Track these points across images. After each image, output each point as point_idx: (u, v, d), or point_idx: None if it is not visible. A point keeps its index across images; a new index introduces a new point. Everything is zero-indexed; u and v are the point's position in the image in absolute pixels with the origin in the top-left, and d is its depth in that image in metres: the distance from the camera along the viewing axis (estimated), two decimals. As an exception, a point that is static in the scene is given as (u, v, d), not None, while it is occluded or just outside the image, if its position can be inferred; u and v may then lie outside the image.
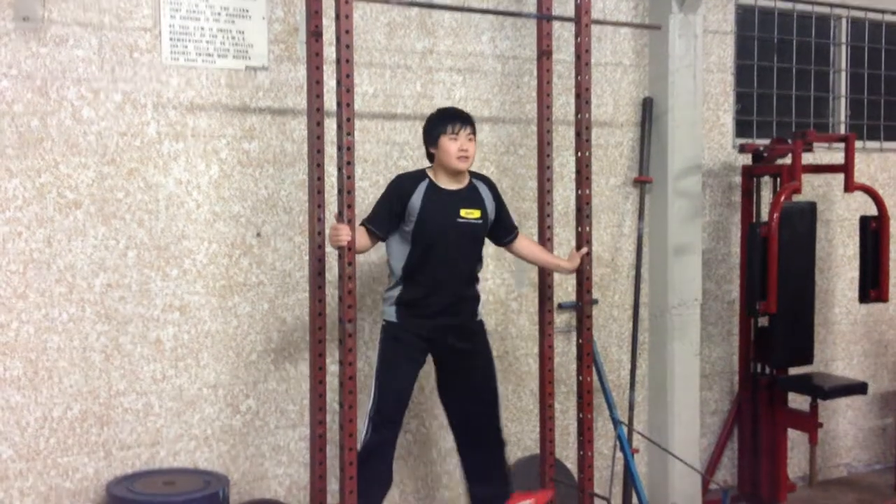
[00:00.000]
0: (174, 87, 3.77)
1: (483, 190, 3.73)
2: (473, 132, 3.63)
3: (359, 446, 3.47)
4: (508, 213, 3.86)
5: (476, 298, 3.76)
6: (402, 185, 3.59)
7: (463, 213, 3.62)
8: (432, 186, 3.60)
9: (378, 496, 3.63)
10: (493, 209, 3.72)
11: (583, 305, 3.90)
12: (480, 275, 3.82)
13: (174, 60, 3.77)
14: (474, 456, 3.79)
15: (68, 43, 3.58)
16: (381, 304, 3.78)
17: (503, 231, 3.82)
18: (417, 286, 3.60)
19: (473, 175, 3.74)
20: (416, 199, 3.55)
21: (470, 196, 3.67)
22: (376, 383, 3.62)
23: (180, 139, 3.79)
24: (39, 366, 3.58)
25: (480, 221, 3.67)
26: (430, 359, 3.76)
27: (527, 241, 3.91)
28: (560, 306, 4.57)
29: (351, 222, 3.28)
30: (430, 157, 3.68)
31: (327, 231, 3.65)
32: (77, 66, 3.60)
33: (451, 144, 3.56)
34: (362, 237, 3.51)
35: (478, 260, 3.74)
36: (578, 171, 3.86)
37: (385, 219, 3.57)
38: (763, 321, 4.98)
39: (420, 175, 3.64)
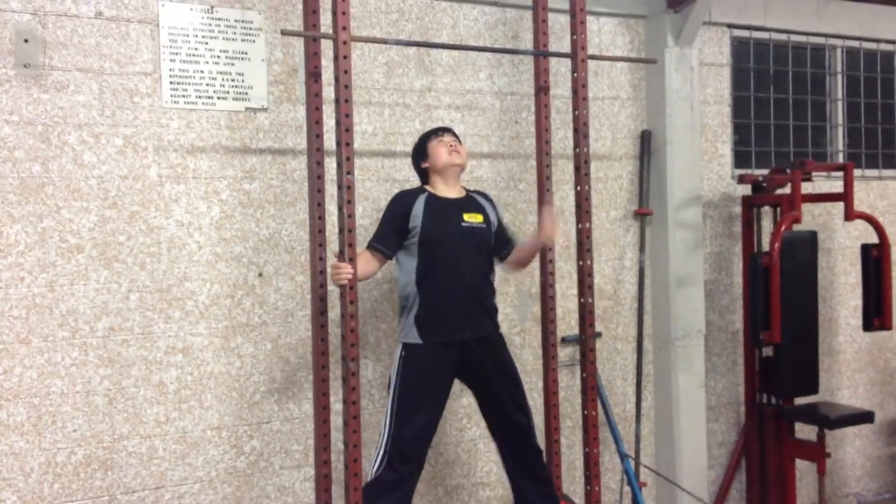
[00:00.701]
0: (175, 129, 3.80)
1: (482, 200, 3.76)
2: (458, 140, 3.72)
3: (367, 477, 3.40)
4: (507, 225, 3.87)
5: (495, 309, 3.69)
6: (402, 199, 3.59)
7: (466, 217, 3.62)
8: (432, 197, 3.61)
9: None
10: (494, 218, 3.74)
11: (586, 339, 3.89)
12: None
13: (174, 103, 3.79)
14: (521, 459, 3.71)
15: (69, 89, 3.61)
16: (399, 331, 3.66)
17: (503, 242, 3.78)
18: (432, 296, 3.51)
19: (469, 190, 3.77)
20: (418, 209, 3.55)
21: (470, 203, 3.68)
22: (393, 413, 3.48)
23: (181, 181, 3.81)
24: (43, 411, 3.57)
25: (484, 226, 3.66)
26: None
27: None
28: (563, 340, 4.57)
29: (352, 261, 3.28)
30: (424, 176, 3.71)
31: (329, 270, 3.66)
32: (78, 112, 3.63)
33: (440, 146, 3.64)
34: (367, 262, 3.48)
35: (490, 268, 3.68)
36: (578, 205, 3.87)
37: (389, 235, 3.54)
38: (767, 351, 4.97)
39: (419, 190, 3.66)
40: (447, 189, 3.66)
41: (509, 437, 3.69)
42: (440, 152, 3.64)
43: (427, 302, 3.52)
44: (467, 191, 3.75)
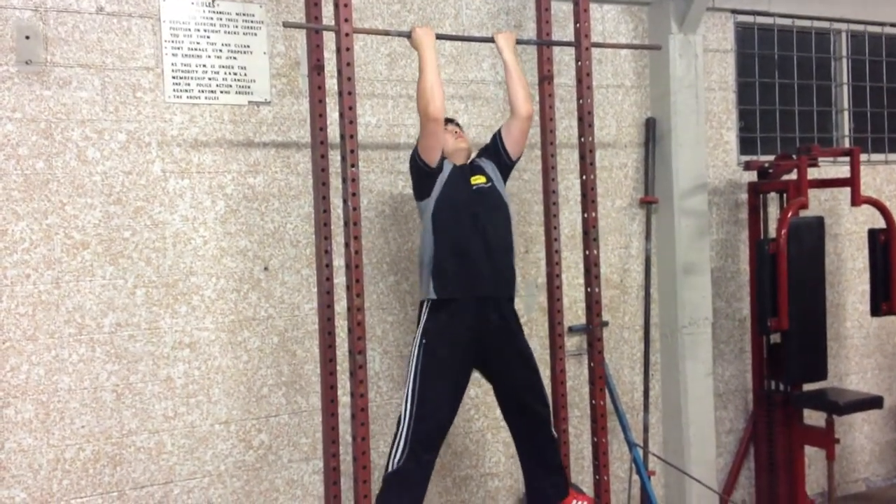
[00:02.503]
0: (178, 124, 3.79)
1: (481, 162, 3.77)
2: (460, 128, 3.81)
3: (390, 467, 3.37)
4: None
5: (512, 271, 3.66)
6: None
7: (473, 180, 3.65)
8: (451, 167, 3.64)
9: None
10: (496, 173, 3.74)
11: (593, 328, 3.88)
12: None
13: (177, 98, 3.78)
14: (535, 447, 3.69)
15: (71, 85, 3.61)
16: (420, 287, 3.62)
17: (493, 146, 3.79)
18: (448, 252, 3.50)
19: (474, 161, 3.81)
20: (446, 170, 3.59)
21: (473, 169, 3.71)
22: (415, 396, 3.43)
23: (185, 176, 3.81)
24: (51, 407, 3.57)
25: (489, 185, 3.67)
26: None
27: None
28: (570, 330, 4.56)
29: (358, 254, 3.27)
30: None
31: (335, 263, 3.65)
32: (81, 108, 3.62)
33: (445, 135, 3.65)
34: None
35: (507, 228, 3.67)
36: (584, 195, 3.86)
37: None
38: (775, 338, 4.96)
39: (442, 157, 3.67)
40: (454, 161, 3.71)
41: (524, 425, 3.68)
42: (446, 139, 3.67)
43: (443, 256, 3.50)
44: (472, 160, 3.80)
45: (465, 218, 3.54)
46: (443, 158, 3.60)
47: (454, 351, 3.49)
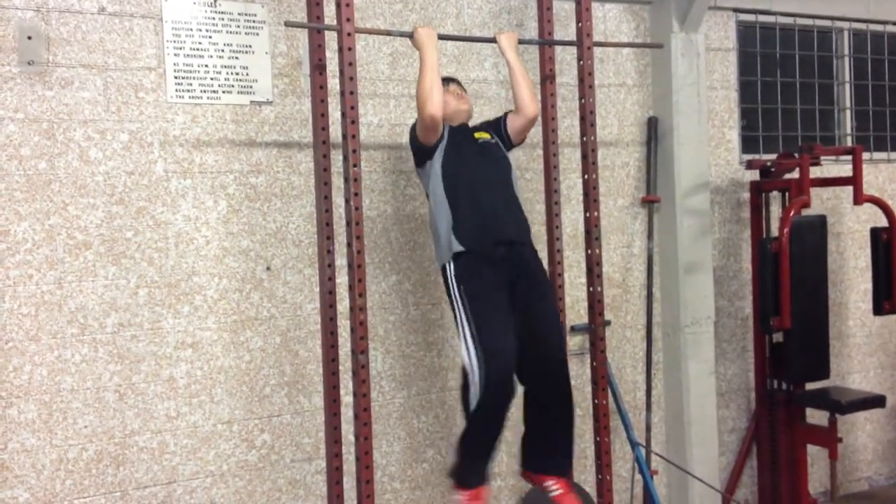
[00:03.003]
0: (180, 124, 3.79)
1: (481, 125, 3.78)
2: (461, 86, 3.78)
3: (470, 407, 3.27)
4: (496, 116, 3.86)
5: (527, 221, 3.61)
6: None
7: (476, 135, 3.66)
8: (451, 127, 3.62)
9: (489, 454, 3.38)
10: (497, 135, 3.73)
11: (595, 328, 3.88)
12: None
13: (179, 98, 3.79)
14: (544, 392, 3.51)
15: (74, 85, 3.61)
16: (438, 259, 3.54)
17: (496, 123, 3.76)
18: (465, 207, 3.45)
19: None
20: (444, 133, 3.55)
21: (474, 128, 3.72)
22: (476, 338, 3.29)
23: (188, 176, 3.81)
24: (54, 408, 3.57)
25: (494, 140, 3.68)
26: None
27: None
28: (573, 329, 4.56)
29: (360, 253, 3.27)
30: None
31: (337, 262, 3.65)
32: (83, 108, 3.62)
33: (447, 95, 3.63)
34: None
35: (514, 186, 3.64)
36: (586, 194, 3.85)
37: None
38: (778, 337, 4.95)
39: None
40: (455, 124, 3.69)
41: (539, 376, 3.49)
42: (448, 100, 3.63)
43: (460, 214, 3.45)
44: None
45: (474, 172, 3.52)
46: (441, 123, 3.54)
47: (492, 277, 3.40)
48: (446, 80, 3.73)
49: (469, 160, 3.55)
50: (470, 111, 3.77)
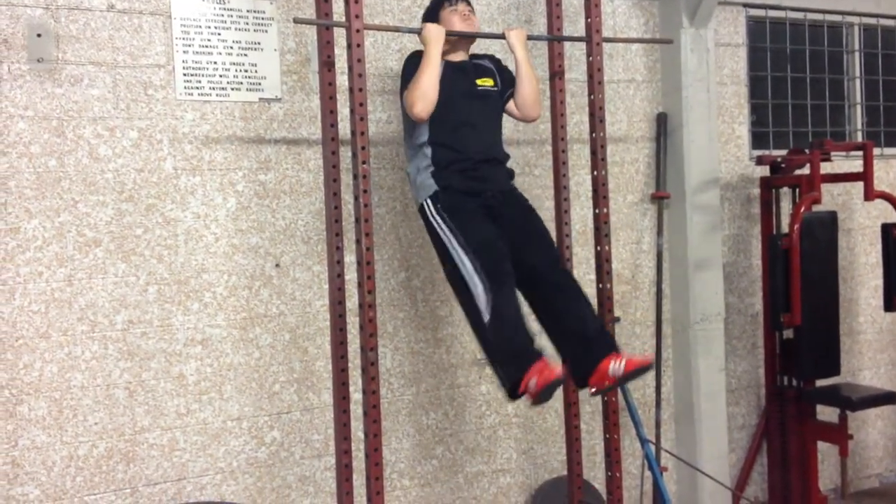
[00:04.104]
0: (189, 121, 3.80)
1: (489, 64, 3.68)
2: (471, 8, 3.61)
3: (485, 318, 3.16)
4: (510, 72, 3.73)
5: (511, 172, 3.57)
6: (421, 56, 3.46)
7: (479, 81, 3.55)
8: (446, 62, 3.49)
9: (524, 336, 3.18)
10: (500, 81, 3.64)
11: (605, 324, 3.86)
12: None
13: (188, 95, 3.79)
14: (557, 301, 3.36)
15: (83, 82, 3.61)
16: (412, 188, 3.50)
17: (507, 85, 3.65)
18: (448, 153, 3.39)
19: (475, 55, 3.68)
20: (441, 70, 3.42)
21: (479, 68, 3.61)
22: (461, 244, 3.25)
23: (197, 173, 3.81)
24: (64, 405, 3.58)
25: (496, 89, 3.60)
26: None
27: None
28: (582, 326, 4.54)
29: (369, 250, 3.27)
30: None
31: (346, 259, 3.65)
32: (92, 105, 3.63)
33: (453, 14, 3.52)
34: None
35: (500, 130, 3.59)
36: (595, 190, 3.84)
37: None
38: (788, 333, 4.94)
39: None
40: (457, 56, 3.57)
41: (542, 288, 3.40)
42: (453, 21, 3.52)
43: (442, 159, 3.39)
44: (472, 56, 3.67)
45: (464, 118, 3.43)
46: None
47: (472, 202, 3.36)
48: (449, 35, 3.50)
49: (462, 108, 3.45)
50: (475, 29, 3.60)
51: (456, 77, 3.48)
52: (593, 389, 3.31)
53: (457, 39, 3.53)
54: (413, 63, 3.42)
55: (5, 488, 3.49)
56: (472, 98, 3.50)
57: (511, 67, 3.64)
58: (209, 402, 3.84)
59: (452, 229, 3.31)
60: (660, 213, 4.86)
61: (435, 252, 3.46)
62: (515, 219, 3.46)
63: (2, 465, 3.49)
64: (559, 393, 4.15)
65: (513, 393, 3.20)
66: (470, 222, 3.32)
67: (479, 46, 4.38)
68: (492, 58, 3.75)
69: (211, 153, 3.84)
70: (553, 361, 3.15)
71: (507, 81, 3.66)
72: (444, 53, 3.48)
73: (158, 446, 3.75)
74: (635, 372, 3.21)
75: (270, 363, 3.96)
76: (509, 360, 3.21)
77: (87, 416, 3.62)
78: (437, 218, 3.36)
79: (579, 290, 3.42)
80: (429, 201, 3.39)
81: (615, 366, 3.20)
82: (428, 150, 3.42)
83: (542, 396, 3.08)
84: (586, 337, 3.31)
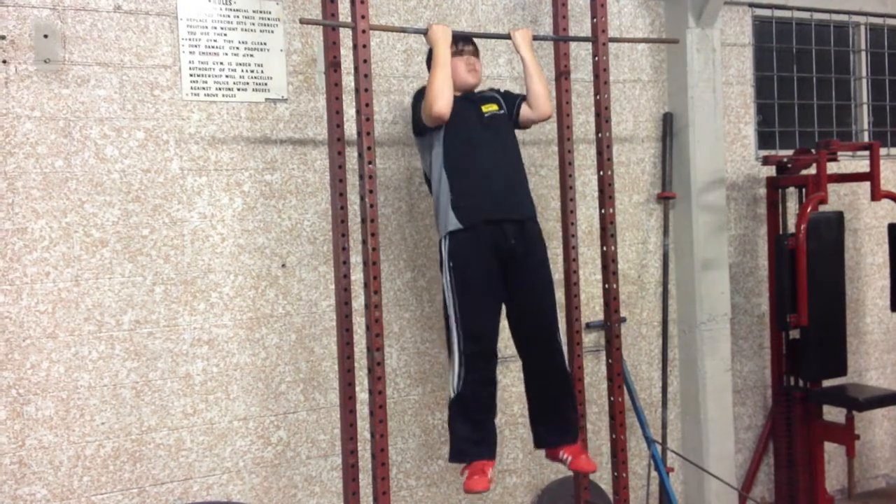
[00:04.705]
0: (195, 122, 3.80)
1: (492, 93, 3.75)
2: (477, 53, 3.70)
3: (451, 392, 3.41)
4: (511, 92, 3.83)
5: (529, 195, 3.63)
6: None
7: (484, 108, 3.62)
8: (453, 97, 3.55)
9: (482, 449, 3.46)
10: (505, 105, 3.70)
11: (611, 325, 3.87)
12: None
13: (195, 96, 3.79)
14: (535, 364, 3.60)
15: (90, 83, 3.62)
16: (438, 232, 3.55)
17: (512, 102, 3.73)
18: (464, 180, 3.46)
19: (479, 91, 3.76)
20: None
21: (482, 97, 3.69)
22: (458, 319, 3.40)
23: (203, 173, 3.82)
24: (71, 404, 3.59)
25: (502, 111, 3.66)
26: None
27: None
28: (588, 326, 4.55)
29: (375, 250, 3.27)
30: None
31: (352, 259, 3.65)
32: (99, 106, 3.63)
33: (458, 62, 3.60)
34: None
35: (518, 155, 3.65)
36: (601, 190, 3.84)
37: None
38: (794, 334, 4.93)
39: None
40: (459, 92, 3.63)
41: (531, 358, 3.61)
42: (458, 68, 3.59)
43: (459, 186, 3.46)
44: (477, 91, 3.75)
45: (477, 147, 3.50)
46: None
47: (482, 264, 3.44)
48: (462, 41, 3.64)
49: (473, 134, 3.52)
50: (478, 82, 3.69)
51: (463, 107, 3.55)
52: (546, 457, 3.74)
53: (460, 85, 3.61)
54: (421, 96, 3.51)
55: (13, 488, 3.50)
56: (481, 125, 3.57)
57: (518, 70, 3.64)
58: (216, 402, 3.84)
59: (454, 290, 3.44)
60: (666, 213, 4.86)
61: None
62: (522, 281, 3.53)
63: (9, 464, 3.50)
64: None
65: (451, 460, 3.52)
66: (471, 294, 3.43)
67: (485, 47, 4.39)
68: (492, 89, 3.83)
69: (217, 153, 3.84)
70: (488, 469, 3.44)
71: (511, 98, 3.74)
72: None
73: (165, 446, 3.75)
74: (577, 473, 3.70)
75: (277, 363, 3.96)
76: (457, 439, 3.47)
77: (94, 415, 3.63)
78: (447, 264, 3.47)
79: (566, 374, 3.64)
80: (446, 240, 3.48)
81: (563, 456, 3.61)
82: (445, 180, 3.49)
83: (474, 483, 3.40)
84: (554, 423, 3.62)
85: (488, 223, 3.45)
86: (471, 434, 3.46)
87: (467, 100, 3.61)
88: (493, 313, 3.51)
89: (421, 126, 3.55)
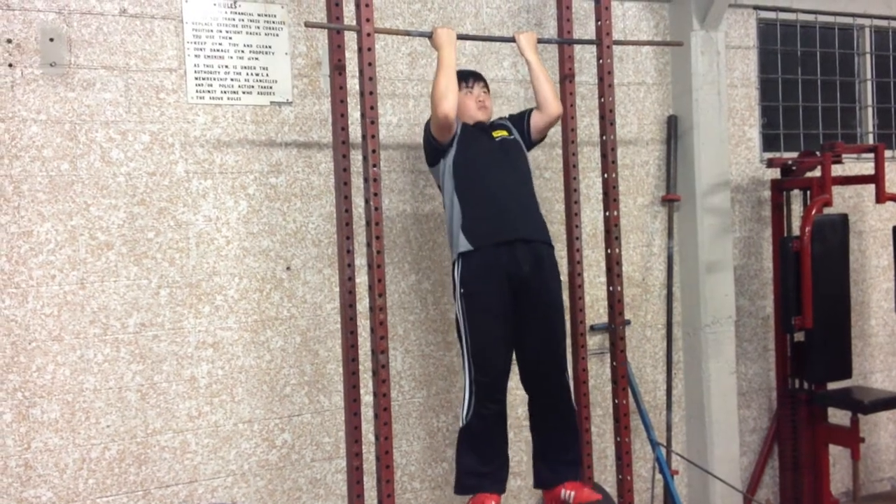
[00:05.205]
0: (201, 125, 3.81)
1: (502, 121, 3.78)
2: (487, 87, 3.74)
3: (461, 421, 3.44)
4: (518, 112, 3.86)
5: (541, 217, 3.64)
6: None
7: (495, 134, 3.65)
8: (464, 125, 3.61)
9: (484, 482, 3.48)
10: (517, 131, 3.74)
11: (615, 327, 3.87)
12: None
13: (200, 99, 3.80)
14: (542, 401, 3.62)
15: (95, 86, 3.63)
16: (452, 254, 3.57)
17: (520, 119, 3.76)
18: (475, 203, 3.48)
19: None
20: (456, 129, 3.55)
21: (492, 125, 3.72)
22: (469, 348, 3.43)
23: (208, 176, 3.82)
24: (76, 407, 3.60)
25: (513, 137, 3.69)
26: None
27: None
28: (592, 328, 4.55)
29: (380, 253, 3.28)
30: None
31: (357, 262, 3.66)
32: (105, 109, 3.64)
33: (468, 98, 3.65)
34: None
35: (529, 180, 3.68)
36: (606, 193, 3.85)
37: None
38: (799, 336, 4.93)
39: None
40: (472, 121, 3.68)
41: (536, 396, 3.63)
42: (468, 105, 3.64)
43: (471, 210, 3.48)
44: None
45: (488, 170, 3.52)
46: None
47: (494, 291, 3.44)
48: (472, 77, 3.70)
49: (483, 158, 3.55)
50: (488, 119, 3.74)
51: (474, 133, 3.59)
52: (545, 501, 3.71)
53: (470, 118, 3.65)
54: (427, 135, 3.56)
55: (18, 490, 3.51)
56: (492, 150, 3.59)
57: (523, 73, 3.64)
58: (220, 404, 3.85)
59: (466, 318, 3.46)
60: (670, 215, 4.86)
61: (444, 255, 3.50)
62: (534, 318, 3.52)
63: (15, 467, 3.50)
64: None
65: (455, 491, 3.58)
66: (482, 325, 3.44)
67: (490, 50, 4.39)
68: (501, 118, 3.86)
69: (222, 156, 3.85)
70: (490, 503, 3.47)
71: (518, 118, 3.77)
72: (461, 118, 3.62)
73: (170, 449, 3.76)
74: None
75: (281, 366, 3.97)
76: (461, 470, 3.52)
77: (100, 418, 3.64)
78: (459, 290, 3.48)
79: (571, 410, 3.64)
80: (459, 262, 3.49)
81: (566, 493, 3.58)
82: (457, 205, 3.51)
83: None
84: (558, 460, 3.63)
85: (499, 245, 3.44)
86: (475, 466, 3.47)
87: (478, 128, 3.64)
88: (505, 346, 3.50)
89: (434, 156, 3.58)
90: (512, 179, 3.57)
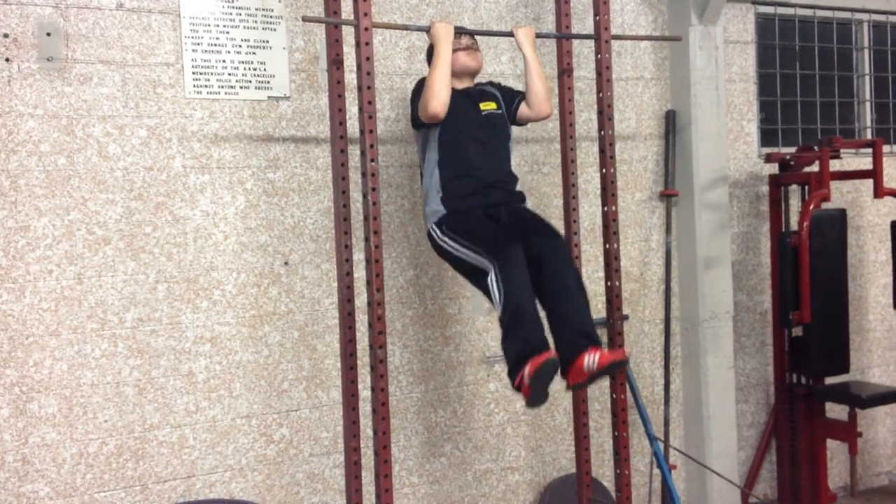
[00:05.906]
0: (198, 120, 3.80)
1: (491, 89, 3.74)
2: (475, 43, 3.68)
3: (498, 311, 3.25)
4: (511, 88, 3.82)
5: (522, 196, 3.64)
6: None
7: (482, 105, 3.61)
8: (452, 90, 3.52)
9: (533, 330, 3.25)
10: (503, 105, 3.70)
11: (613, 322, 3.87)
12: None
13: (197, 94, 3.80)
14: (554, 291, 3.41)
15: (92, 81, 3.62)
16: (425, 219, 3.58)
17: (518, 96, 3.72)
18: (456, 177, 3.48)
19: (478, 83, 3.75)
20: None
21: (482, 94, 3.67)
22: (470, 249, 3.34)
23: (206, 171, 3.82)
24: (74, 402, 3.59)
25: (499, 111, 3.66)
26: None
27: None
28: (590, 323, 4.54)
29: (378, 248, 3.28)
30: None
31: (355, 257, 3.65)
32: (102, 104, 3.64)
33: (458, 52, 3.58)
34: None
35: (509, 154, 3.66)
36: (604, 188, 3.84)
37: None
38: (797, 331, 4.93)
39: None
40: (460, 84, 3.63)
41: (545, 278, 3.41)
42: (458, 55, 3.58)
43: (450, 184, 3.48)
44: (477, 84, 3.73)
45: (471, 145, 3.51)
46: None
47: (475, 215, 3.45)
48: (458, 34, 3.61)
49: (468, 133, 3.52)
50: (479, 67, 3.67)
51: (461, 104, 3.55)
52: (571, 385, 3.34)
53: (461, 70, 3.60)
54: (420, 88, 3.51)
55: (16, 485, 3.51)
56: (478, 123, 3.57)
57: (521, 68, 3.64)
58: (218, 399, 3.85)
59: (459, 241, 3.40)
60: (668, 210, 4.86)
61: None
62: (520, 219, 3.52)
63: (12, 462, 3.50)
64: (568, 392, 4.16)
65: (512, 374, 3.27)
66: (475, 227, 3.41)
67: (488, 44, 4.39)
68: (493, 83, 3.82)
69: (220, 151, 3.85)
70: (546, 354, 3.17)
71: (509, 96, 3.73)
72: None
73: (168, 443, 3.76)
74: (610, 367, 3.26)
75: (279, 361, 3.96)
76: (514, 352, 3.26)
77: (97, 413, 3.63)
78: (444, 238, 3.46)
79: (580, 284, 3.45)
80: (434, 227, 3.49)
81: (590, 360, 3.26)
82: (437, 175, 3.50)
83: (535, 382, 3.13)
84: (574, 329, 3.35)
85: (476, 209, 3.48)
86: (524, 343, 3.24)
87: (466, 95, 3.61)
88: (505, 231, 3.42)
89: (419, 120, 3.56)
90: (495, 157, 3.57)
